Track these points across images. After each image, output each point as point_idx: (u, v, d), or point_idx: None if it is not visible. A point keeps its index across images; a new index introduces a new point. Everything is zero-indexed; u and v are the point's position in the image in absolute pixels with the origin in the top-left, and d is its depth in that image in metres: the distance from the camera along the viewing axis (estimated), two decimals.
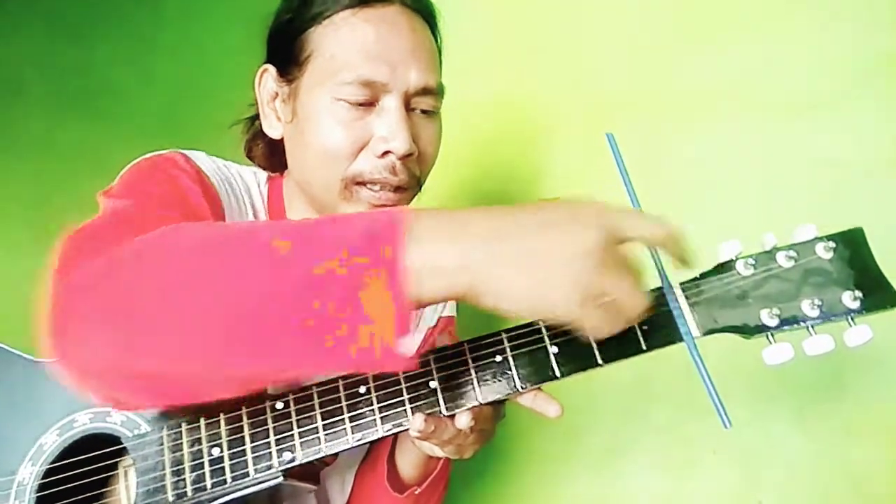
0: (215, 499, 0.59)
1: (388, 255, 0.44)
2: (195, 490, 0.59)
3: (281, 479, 0.59)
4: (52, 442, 0.64)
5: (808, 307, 0.57)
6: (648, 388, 0.94)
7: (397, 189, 0.72)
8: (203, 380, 0.51)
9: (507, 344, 0.59)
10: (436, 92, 0.73)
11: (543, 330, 0.59)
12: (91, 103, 1.50)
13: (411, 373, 0.59)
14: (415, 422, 0.57)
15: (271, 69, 0.77)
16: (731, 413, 0.83)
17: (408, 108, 0.71)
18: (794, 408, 0.80)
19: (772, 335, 0.58)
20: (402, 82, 0.69)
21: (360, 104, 0.69)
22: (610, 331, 0.48)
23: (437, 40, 0.77)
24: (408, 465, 0.77)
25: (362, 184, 0.71)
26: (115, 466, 0.67)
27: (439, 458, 0.75)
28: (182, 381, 0.52)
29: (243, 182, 0.81)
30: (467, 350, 0.59)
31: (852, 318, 0.57)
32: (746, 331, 0.57)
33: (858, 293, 0.57)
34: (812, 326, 0.58)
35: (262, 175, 0.84)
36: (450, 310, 0.92)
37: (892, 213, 0.75)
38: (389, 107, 0.69)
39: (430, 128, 0.74)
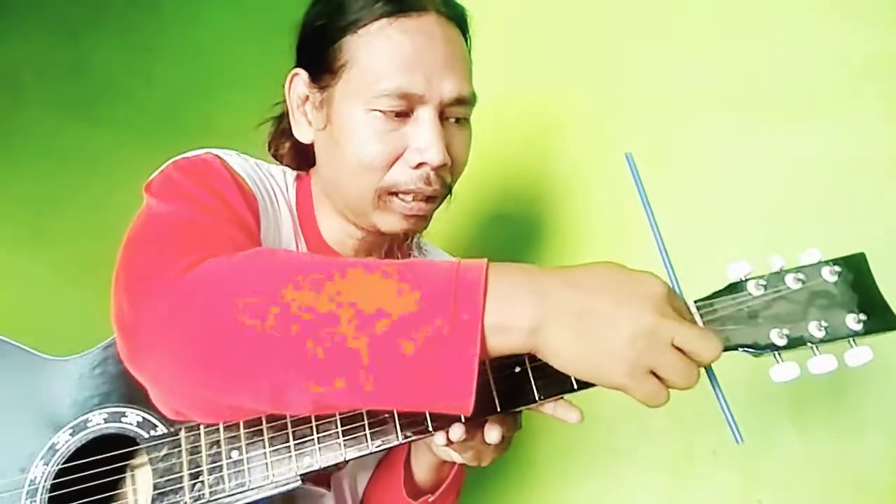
0: (232, 501, 0.60)
1: (466, 319, 0.47)
2: (213, 492, 0.60)
3: (299, 482, 0.60)
4: (64, 442, 0.64)
5: (814, 328, 0.59)
6: None
7: (429, 199, 0.73)
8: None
9: (525, 356, 0.60)
10: (469, 101, 0.74)
11: None
12: (91, 105, 1.50)
13: None
14: (454, 431, 0.58)
15: (303, 74, 0.76)
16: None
17: (441, 117, 0.72)
18: (793, 408, 0.81)
19: (779, 354, 0.60)
20: (437, 93, 0.70)
21: (396, 115, 0.70)
22: (656, 402, 0.52)
23: (469, 47, 0.78)
24: (422, 470, 0.78)
25: (395, 194, 0.72)
26: (127, 468, 0.68)
27: (452, 465, 0.77)
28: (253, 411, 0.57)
29: (274, 181, 0.81)
30: (487, 361, 0.61)
31: (853, 340, 0.60)
32: (757, 349, 0.59)
33: (862, 316, 0.59)
34: (816, 346, 0.60)
35: (291, 174, 0.84)
36: None
37: (892, 213, 0.76)
38: (424, 118, 0.70)
39: (461, 136, 0.75)
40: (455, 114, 0.73)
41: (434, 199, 0.74)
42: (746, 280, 0.62)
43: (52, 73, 1.46)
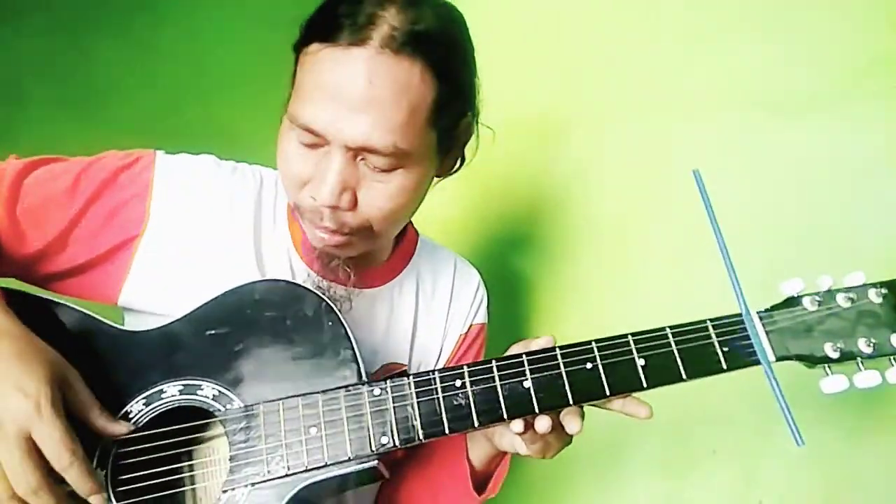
0: (308, 476, 0.62)
1: None
2: (290, 466, 0.61)
3: (376, 462, 0.62)
4: (137, 411, 0.65)
5: (863, 344, 0.64)
6: None
7: (336, 231, 0.70)
8: None
9: (597, 353, 0.64)
10: (385, 153, 0.65)
11: (632, 343, 0.64)
12: (91, 106, 1.50)
13: (506, 371, 0.64)
14: (541, 424, 0.61)
15: None
16: (731, 412, 0.84)
17: (357, 158, 0.67)
18: (794, 407, 0.82)
19: (829, 367, 0.65)
20: (340, 137, 0.64)
21: (307, 145, 0.68)
22: None
23: (441, 82, 0.66)
24: (478, 461, 0.80)
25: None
26: (198, 439, 0.69)
27: (502, 457, 0.80)
28: None
29: (262, 187, 0.81)
30: (559, 355, 0.64)
31: (893, 358, 0.65)
32: (812, 360, 0.64)
33: None
34: (862, 361, 0.65)
35: None
36: (481, 317, 0.93)
37: (891, 213, 0.78)
38: (329, 155, 0.66)
39: (380, 186, 0.68)
40: (370, 162, 0.66)
41: (344, 234, 0.70)
42: (801, 296, 0.66)
43: (52, 73, 1.45)
